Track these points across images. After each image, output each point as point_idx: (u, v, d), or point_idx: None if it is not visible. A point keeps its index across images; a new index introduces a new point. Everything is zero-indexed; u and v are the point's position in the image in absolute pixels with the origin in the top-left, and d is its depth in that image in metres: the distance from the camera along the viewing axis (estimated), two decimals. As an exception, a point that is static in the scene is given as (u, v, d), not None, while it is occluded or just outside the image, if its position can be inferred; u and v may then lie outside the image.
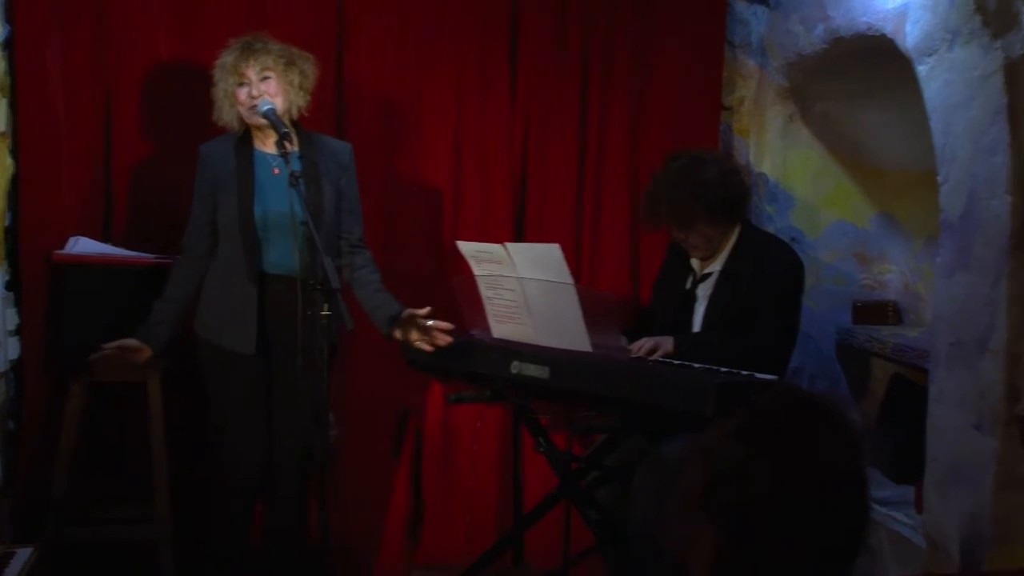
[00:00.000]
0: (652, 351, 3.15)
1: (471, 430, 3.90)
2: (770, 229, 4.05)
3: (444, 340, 3.20)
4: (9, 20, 3.47)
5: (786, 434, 1.23)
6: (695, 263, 3.39)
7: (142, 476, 3.47)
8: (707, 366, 3.02)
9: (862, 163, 4.08)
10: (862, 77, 3.76)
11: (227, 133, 3.27)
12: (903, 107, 3.62)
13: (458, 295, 3.36)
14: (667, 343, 3.18)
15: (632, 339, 3.25)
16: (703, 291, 3.36)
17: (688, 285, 3.40)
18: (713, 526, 1.22)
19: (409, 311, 3.22)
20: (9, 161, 3.48)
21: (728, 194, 3.23)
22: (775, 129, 4.08)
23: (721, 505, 1.21)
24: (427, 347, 3.21)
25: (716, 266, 3.34)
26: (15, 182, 3.51)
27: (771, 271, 3.25)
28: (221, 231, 3.22)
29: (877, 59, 3.47)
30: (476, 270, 3.24)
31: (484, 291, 3.25)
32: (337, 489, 3.73)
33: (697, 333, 3.30)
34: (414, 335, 3.23)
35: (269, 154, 3.23)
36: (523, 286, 3.12)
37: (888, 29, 3.21)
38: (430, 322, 3.20)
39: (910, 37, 3.05)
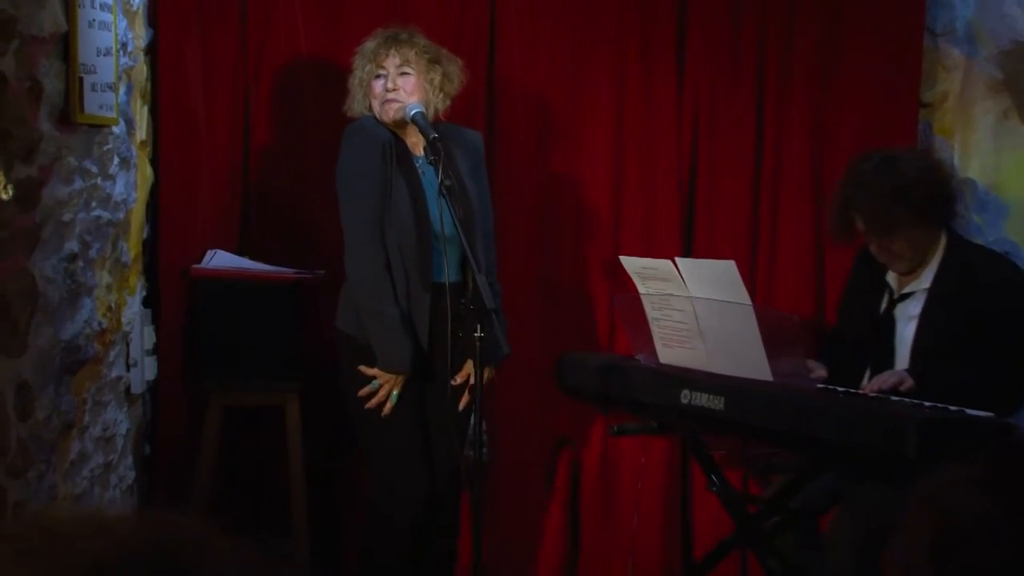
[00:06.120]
0: (896, 386, 2.85)
1: (635, 465, 3.71)
2: (979, 242, 3.68)
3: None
4: (152, 24, 3.47)
5: None
6: (892, 279, 3.08)
7: (279, 504, 3.45)
8: (909, 400, 2.77)
9: (1091, 165, 3.74)
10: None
11: (367, 118, 3.11)
12: None
13: (621, 316, 3.29)
14: (907, 377, 2.90)
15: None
16: (903, 312, 3.07)
17: (884, 306, 3.10)
18: None
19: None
20: (149, 171, 3.48)
21: (933, 191, 2.97)
22: (985, 127, 3.77)
23: (957, 565, 1.09)
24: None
25: (922, 283, 3.04)
26: (154, 193, 3.51)
27: (994, 295, 2.96)
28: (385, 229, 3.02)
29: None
30: (641, 288, 3.09)
31: (650, 312, 3.10)
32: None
33: (935, 370, 2.98)
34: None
35: (415, 155, 3.12)
36: (694, 306, 2.96)
37: None
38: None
39: None
